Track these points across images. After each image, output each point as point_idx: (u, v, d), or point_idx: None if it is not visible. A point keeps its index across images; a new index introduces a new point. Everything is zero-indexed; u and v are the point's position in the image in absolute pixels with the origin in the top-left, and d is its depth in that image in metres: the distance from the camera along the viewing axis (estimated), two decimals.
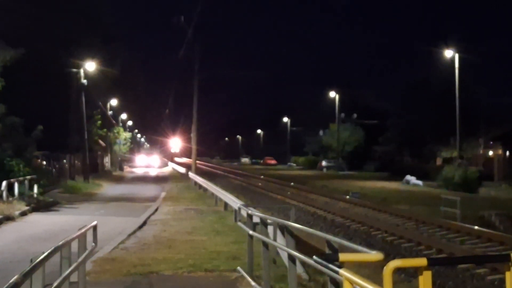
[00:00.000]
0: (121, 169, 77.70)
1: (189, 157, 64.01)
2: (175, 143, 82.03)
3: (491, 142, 65.41)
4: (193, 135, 57.64)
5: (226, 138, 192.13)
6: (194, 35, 50.28)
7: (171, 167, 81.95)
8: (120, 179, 57.70)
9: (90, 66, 49.39)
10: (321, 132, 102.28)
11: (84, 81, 49.30)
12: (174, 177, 59.64)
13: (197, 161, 60.57)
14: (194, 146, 56.33)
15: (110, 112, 75.11)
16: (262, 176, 64.47)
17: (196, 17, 48.74)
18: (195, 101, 54.37)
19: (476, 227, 22.18)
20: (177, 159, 76.28)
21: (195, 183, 42.60)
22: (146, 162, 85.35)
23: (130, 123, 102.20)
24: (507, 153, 62.91)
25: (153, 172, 68.34)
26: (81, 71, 48.90)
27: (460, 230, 21.84)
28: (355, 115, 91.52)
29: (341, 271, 4.37)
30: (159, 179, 55.17)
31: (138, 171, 71.91)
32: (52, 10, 45.84)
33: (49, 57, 41.81)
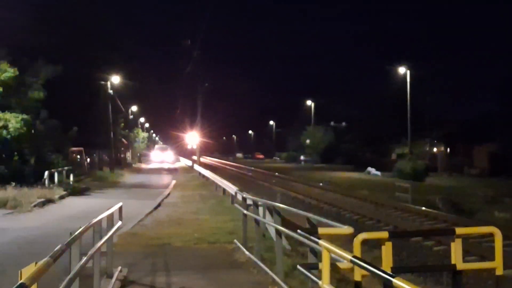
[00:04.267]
0: (140, 162, 77.56)
1: (195, 154, 63.63)
2: (190, 140, 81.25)
3: (435, 141, 65.75)
4: (197, 137, 57.76)
5: (224, 138, 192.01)
6: (199, 56, 50.16)
7: (182, 162, 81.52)
8: (139, 171, 57.55)
9: (115, 79, 49.53)
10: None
11: (110, 92, 49.46)
12: (183, 169, 59.55)
13: (200, 157, 60.57)
14: (197, 146, 56.43)
15: (131, 116, 75.06)
16: (252, 168, 64.40)
17: (199, 42, 48.76)
18: (199, 112, 54.36)
19: (423, 208, 22.31)
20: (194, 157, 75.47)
21: (199, 173, 42.55)
22: (160, 158, 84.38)
23: (147, 125, 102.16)
24: (448, 150, 63.26)
25: (166, 165, 68.07)
26: (108, 83, 49.05)
27: (411, 211, 21.98)
28: (332, 123, 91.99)
29: (320, 241, 4.39)
30: (170, 171, 55.01)
31: (154, 165, 71.61)
32: (85, 34, 45.88)
33: (82, 72, 41.74)
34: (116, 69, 49.93)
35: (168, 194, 27.26)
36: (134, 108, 75.34)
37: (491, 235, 4.88)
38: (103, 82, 48.91)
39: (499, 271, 4.83)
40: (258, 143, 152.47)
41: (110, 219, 8.47)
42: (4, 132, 26.77)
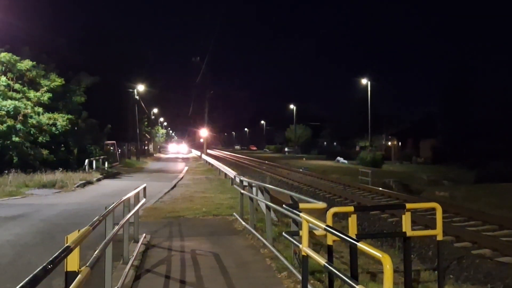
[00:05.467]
0: (159, 152, 77.38)
1: (203, 147, 63.31)
2: (199, 135, 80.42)
3: (390, 136, 65.96)
4: (205, 133, 57.65)
5: (225, 133, 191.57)
6: (206, 70, 49.95)
7: (193, 153, 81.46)
8: (159, 159, 57.46)
9: (140, 87, 49.56)
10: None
11: (137, 97, 49.48)
12: (193, 158, 59.49)
13: (207, 148, 60.61)
14: (204, 140, 56.29)
15: (152, 117, 75.01)
16: (247, 157, 64.47)
17: (206, 59, 48.49)
18: (205, 115, 54.05)
19: (380, 188, 22.39)
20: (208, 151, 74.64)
21: (206, 161, 42.52)
22: (176, 149, 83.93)
23: (165, 123, 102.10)
24: (399, 143, 63.47)
25: (181, 155, 67.96)
26: (135, 90, 49.04)
27: (371, 190, 22.04)
28: (312, 124, 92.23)
29: (301, 214, 4.39)
30: (184, 159, 55.01)
31: (171, 155, 71.47)
32: (117, 52, 45.82)
33: (114, 82, 41.70)
34: (141, 79, 49.97)
35: (182, 177, 27.24)
36: (155, 110, 75.42)
37: (433, 209, 4.90)
38: (131, 90, 48.97)
39: (440, 237, 4.86)
40: (252, 138, 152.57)
41: (136, 197, 8.46)
42: (53, 128, 26.79)
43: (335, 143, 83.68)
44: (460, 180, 30.01)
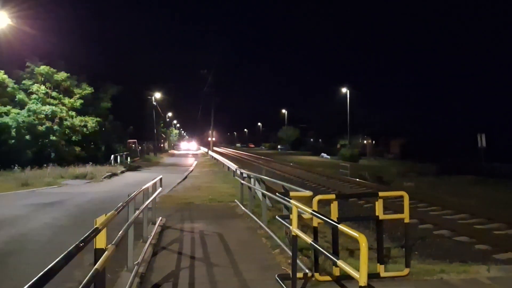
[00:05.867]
0: (173, 149, 77.27)
1: (209, 145, 63.16)
2: (207, 135, 79.87)
3: (365, 136, 65.91)
4: (211, 134, 57.62)
5: (228, 133, 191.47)
6: (212, 81, 49.86)
7: (202, 150, 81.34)
8: (173, 155, 57.33)
9: (157, 95, 49.47)
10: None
11: (154, 103, 49.39)
12: (201, 154, 59.38)
13: (213, 146, 60.56)
14: (211, 140, 56.23)
15: (167, 119, 74.96)
16: (246, 153, 64.40)
17: (212, 72, 48.53)
18: (212, 118, 53.89)
19: (357, 179, 22.44)
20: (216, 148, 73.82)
21: (212, 157, 42.46)
22: (187, 147, 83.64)
23: (178, 125, 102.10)
24: (373, 141, 63.48)
25: (191, 152, 67.76)
26: (153, 98, 48.90)
27: (350, 181, 22.09)
28: (300, 125, 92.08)
29: (291, 201, 4.39)
30: (193, 155, 54.89)
31: (183, 152, 71.27)
32: (139, 64, 45.87)
33: (136, 90, 41.69)
34: (158, 88, 50.01)
35: (192, 170, 27.21)
36: (169, 113, 75.41)
37: (401, 197, 4.90)
38: (150, 97, 48.88)
39: (407, 220, 4.87)
40: (250, 137, 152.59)
41: (154, 186, 8.44)
42: (84, 129, 26.76)
43: (320, 140, 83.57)
44: (424, 173, 30.01)
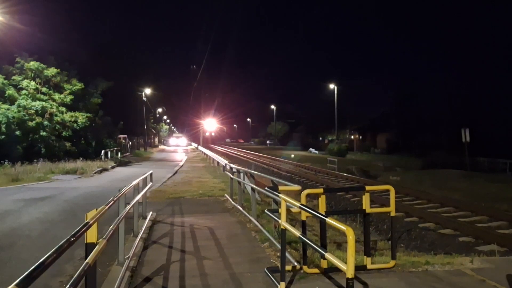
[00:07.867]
0: (163, 145, 76.80)
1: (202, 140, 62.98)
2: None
3: (353, 131, 66.31)
4: (202, 128, 57.53)
5: (218, 128, 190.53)
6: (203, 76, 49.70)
7: (192, 145, 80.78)
8: (163, 150, 56.99)
9: (147, 91, 49.20)
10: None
11: (144, 99, 49.10)
12: (191, 150, 59.16)
13: (203, 141, 60.39)
14: (201, 135, 56.15)
15: (157, 115, 74.51)
16: (235, 148, 64.36)
17: (202, 68, 48.40)
18: (201, 112, 53.99)
19: (345, 174, 22.54)
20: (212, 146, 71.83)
21: (202, 152, 42.34)
22: (176, 142, 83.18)
23: (168, 120, 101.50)
24: (360, 137, 63.86)
25: (180, 147, 67.33)
26: (143, 93, 48.58)
27: (337, 175, 22.19)
28: (289, 121, 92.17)
29: (280, 195, 4.40)
30: (183, 151, 54.64)
31: (172, 147, 70.87)
32: (128, 61, 45.33)
33: (126, 86, 41.26)
34: (148, 84, 49.63)
35: (182, 165, 27.09)
36: (159, 109, 74.99)
37: (387, 190, 4.94)
38: (140, 92, 48.52)
39: (393, 213, 4.91)
40: (240, 132, 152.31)
41: (144, 181, 8.39)
42: (75, 125, 26.52)
43: (308, 135, 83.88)
44: (409, 167, 30.32)
